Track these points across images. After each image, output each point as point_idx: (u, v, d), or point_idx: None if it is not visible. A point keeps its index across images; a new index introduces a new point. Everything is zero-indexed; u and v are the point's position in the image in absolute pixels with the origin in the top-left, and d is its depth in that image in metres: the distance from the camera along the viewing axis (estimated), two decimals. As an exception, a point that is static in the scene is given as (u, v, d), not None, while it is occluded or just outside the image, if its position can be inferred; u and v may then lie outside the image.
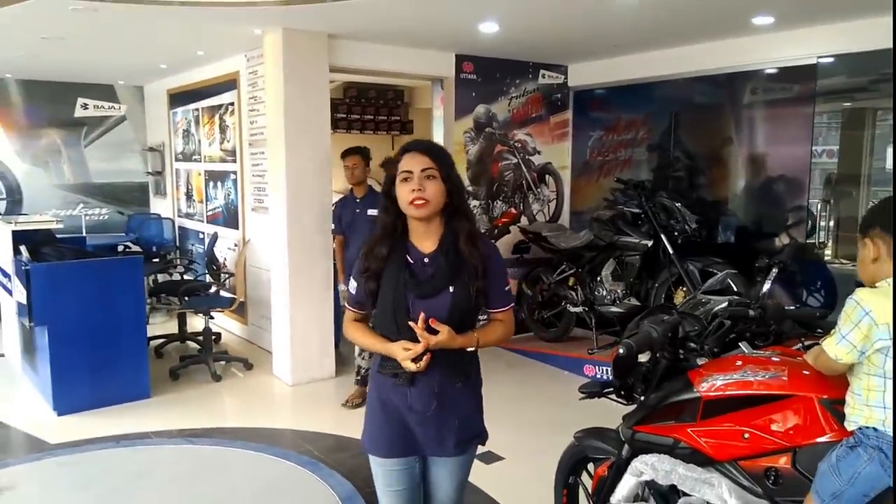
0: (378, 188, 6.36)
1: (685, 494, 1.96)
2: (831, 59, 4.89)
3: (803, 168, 5.12)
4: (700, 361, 2.20)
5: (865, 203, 6.27)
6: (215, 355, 5.62)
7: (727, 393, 1.98)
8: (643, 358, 2.33)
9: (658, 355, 2.24)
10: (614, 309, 5.40)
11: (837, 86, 5.09)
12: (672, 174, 6.09)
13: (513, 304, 2.20)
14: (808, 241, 5.04)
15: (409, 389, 2.04)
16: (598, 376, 5.36)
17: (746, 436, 1.95)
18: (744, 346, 2.16)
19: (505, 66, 6.21)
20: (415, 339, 1.96)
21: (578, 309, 5.65)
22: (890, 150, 4.99)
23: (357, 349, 4.74)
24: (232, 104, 6.45)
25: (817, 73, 4.93)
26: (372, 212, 4.69)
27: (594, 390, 2.46)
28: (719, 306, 2.65)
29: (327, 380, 5.34)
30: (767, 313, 2.32)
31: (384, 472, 2.14)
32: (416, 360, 1.95)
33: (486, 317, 2.19)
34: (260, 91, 5.75)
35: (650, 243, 5.15)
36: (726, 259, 5.02)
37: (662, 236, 5.10)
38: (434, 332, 1.95)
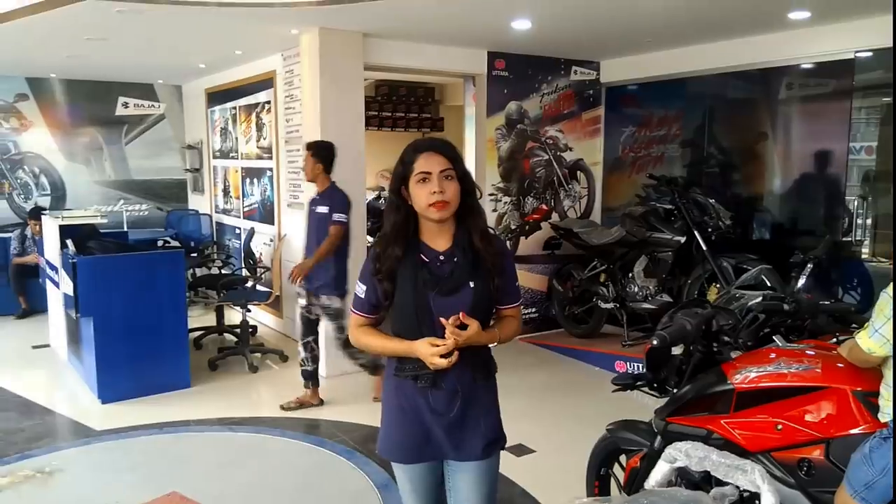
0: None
1: (718, 483, 1.99)
2: (869, 54, 4.83)
3: (840, 164, 5.07)
4: (734, 355, 2.22)
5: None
6: (252, 347, 5.76)
7: (761, 385, 2.01)
8: (676, 351, 2.36)
9: (692, 348, 2.27)
10: (646, 305, 5.40)
11: (874, 81, 5.02)
12: (706, 170, 6.07)
13: (521, 301, 2.16)
14: (844, 239, 4.99)
15: (431, 391, 1.98)
16: (631, 372, 5.36)
17: (780, 427, 1.97)
18: (778, 339, 2.18)
19: (537, 63, 6.24)
20: (438, 338, 1.91)
21: (610, 305, 5.66)
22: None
23: (301, 350, 4.67)
24: (269, 102, 6.58)
25: (855, 68, 4.87)
26: (321, 209, 4.46)
27: (627, 382, 2.50)
28: (753, 301, 2.67)
29: (359, 372, 5.39)
30: (802, 308, 2.33)
31: (408, 477, 2.10)
32: (444, 356, 1.88)
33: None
34: (296, 89, 5.86)
35: (683, 240, 5.14)
36: (761, 256, 4.99)
37: (696, 233, 5.09)
38: (463, 328, 1.90)
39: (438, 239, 2.02)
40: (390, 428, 2.10)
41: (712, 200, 5.19)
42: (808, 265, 2.81)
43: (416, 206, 1.97)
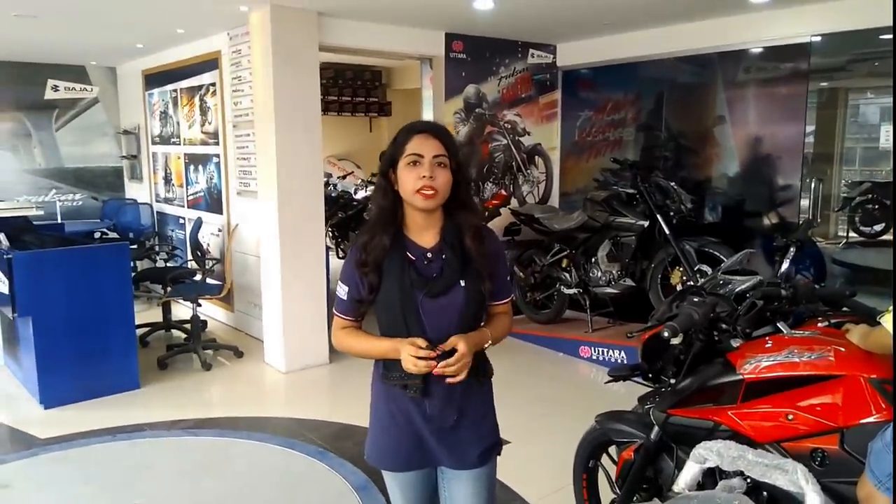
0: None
1: (724, 476, 1.93)
2: (824, 38, 4.90)
3: (796, 147, 5.15)
4: (734, 343, 2.17)
5: (837, 183, 6.37)
6: (204, 344, 5.48)
7: (772, 374, 1.95)
8: (675, 340, 2.29)
9: (692, 337, 2.20)
10: (609, 290, 5.38)
11: (829, 65, 5.10)
12: (663, 154, 6.08)
13: (511, 295, 2.07)
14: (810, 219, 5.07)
15: (424, 400, 1.85)
16: (595, 357, 5.35)
17: (791, 417, 1.92)
18: (782, 326, 2.13)
19: (494, 46, 6.11)
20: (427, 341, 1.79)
21: (572, 290, 5.63)
22: (888, 130, 5.04)
23: None
24: (213, 85, 6.25)
25: (811, 52, 4.94)
26: None
27: (623, 374, 2.43)
28: (742, 286, 2.63)
29: (321, 366, 5.24)
30: (799, 293, 2.30)
31: (399, 486, 1.99)
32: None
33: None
34: (244, 71, 5.58)
35: (646, 224, 5.13)
36: (721, 238, 5.04)
37: (658, 216, 5.08)
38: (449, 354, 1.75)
39: (425, 234, 1.88)
40: (380, 434, 1.97)
41: (674, 184, 5.20)
42: (791, 249, 2.80)
43: (402, 191, 1.83)
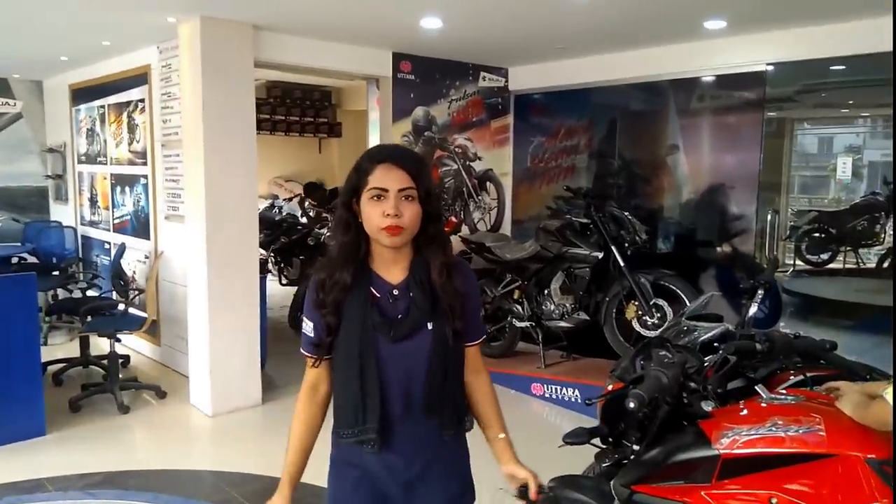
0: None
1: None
2: (778, 67, 4.78)
3: (751, 176, 5.01)
4: (707, 407, 1.89)
5: (785, 212, 6.30)
6: (123, 383, 4.99)
7: (754, 451, 1.67)
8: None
9: (659, 401, 1.91)
10: (563, 324, 5.11)
11: (784, 94, 4.99)
12: (616, 182, 5.90)
13: (485, 334, 1.88)
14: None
15: (385, 455, 1.68)
16: (548, 395, 5.06)
17: (775, 501, 1.64)
18: (761, 390, 1.86)
19: (444, 67, 5.86)
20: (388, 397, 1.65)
21: (525, 324, 5.34)
22: (844, 161, 4.94)
23: None
24: (142, 101, 5.81)
25: (766, 81, 4.81)
26: None
27: (581, 439, 2.12)
28: (708, 334, 2.38)
29: (252, 408, 4.81)
30: (776, 347, 2.05)
31: None
32: None
33: None
34: (174, 87, 5.17)
35: (601, 255, 4.89)
36: (675, 270, 4.84)
37: (613, 248, 4.85)
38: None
39: (393, 268, 1.70)
40: (338, 492, 1.78)
41: (628, 214, 4.98)
42: (759, 291, 2.55)
43: (366, 226, 1.65)
